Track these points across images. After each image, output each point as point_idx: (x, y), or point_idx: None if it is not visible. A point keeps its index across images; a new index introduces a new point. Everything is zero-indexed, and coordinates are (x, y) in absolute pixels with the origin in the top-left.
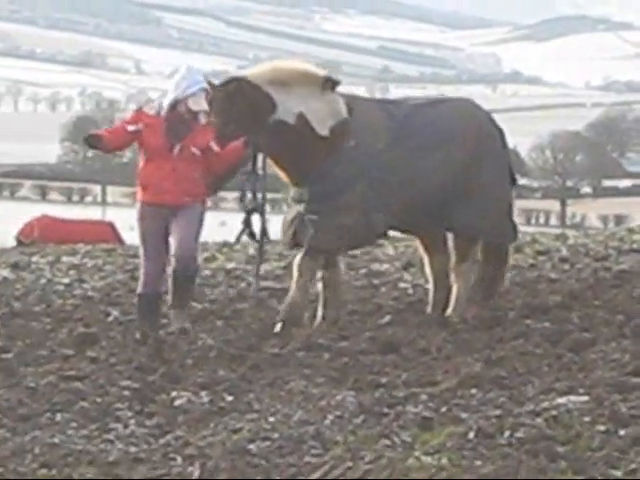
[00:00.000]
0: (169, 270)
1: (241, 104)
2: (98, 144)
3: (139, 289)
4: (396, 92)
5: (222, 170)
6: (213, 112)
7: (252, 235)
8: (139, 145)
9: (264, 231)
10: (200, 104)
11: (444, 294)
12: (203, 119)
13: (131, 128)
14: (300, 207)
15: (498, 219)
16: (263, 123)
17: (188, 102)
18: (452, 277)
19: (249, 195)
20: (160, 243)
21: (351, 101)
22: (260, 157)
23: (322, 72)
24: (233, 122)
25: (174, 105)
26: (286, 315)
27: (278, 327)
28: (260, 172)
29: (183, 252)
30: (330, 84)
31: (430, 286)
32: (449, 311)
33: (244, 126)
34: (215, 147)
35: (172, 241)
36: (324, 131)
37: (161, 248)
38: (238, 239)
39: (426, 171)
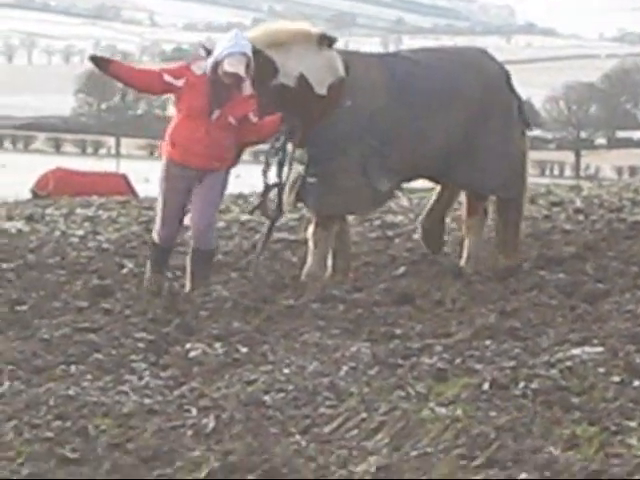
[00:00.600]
0: (189, 250)
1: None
2: (105, 68)
3: (154, 237)
4: (410, 43)
5: (252, 141)
6: None
7: (265, 212)
8: (176, 101)
9: (279, 209)
10: (234, 66)
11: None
12: (248, 89)
13: (168, 79)
14: (301, 169)
15: (505, 174)
16: (266, 87)
17: (224, 63)
18: (463, 230)
19: (272, 170)
20: (180, 205)
21: (349, 58)
22: (297, 134)
23: (317, 29)
24: None
25: (215, 67)
26: (306, 287)
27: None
28: (290, 149)
29: (201, 228)
30: (327, 41)
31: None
32: (461, 263)
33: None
34: (253, 118)
35: (191, 210)
36: (322, 90)
37: (180, 210)
38: (252, 212)
39: (428, 131)
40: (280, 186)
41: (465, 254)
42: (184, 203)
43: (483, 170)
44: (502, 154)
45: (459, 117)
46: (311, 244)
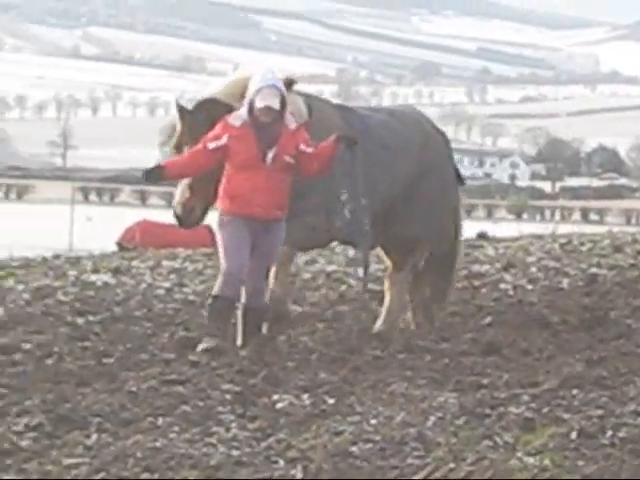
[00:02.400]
0: (239, 306)
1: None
2: (161, 175)
3: (215, 290)
4: (495, 92)
5: (315, 172)
6: (192, 137)
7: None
8: (227, 158)
9: (366, 233)
10: (265, 99)
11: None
12: (292, 124)
13: (212, 145)
14: None
15: (439, 229)
16: None
17: (256, 101)
18: (386, 286)
19: (345, 196)
20: (244, 250)
21: (309, 101)
22: (358, 151)
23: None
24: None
25: (250, 109)
26: (392, 338)
27: (265, 327)
28: (357, 171)
29: (256, 287)
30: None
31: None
32: (378, 323)
33: None
34: (307, 149)
35: (249, 267)
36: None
37: (244, 255)
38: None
39: (380, 178)
40: (362, 212)
41: (383, 311)
42: (248, 249)
43: (419, 223)
44: (438, 207)
45: (405, 168)
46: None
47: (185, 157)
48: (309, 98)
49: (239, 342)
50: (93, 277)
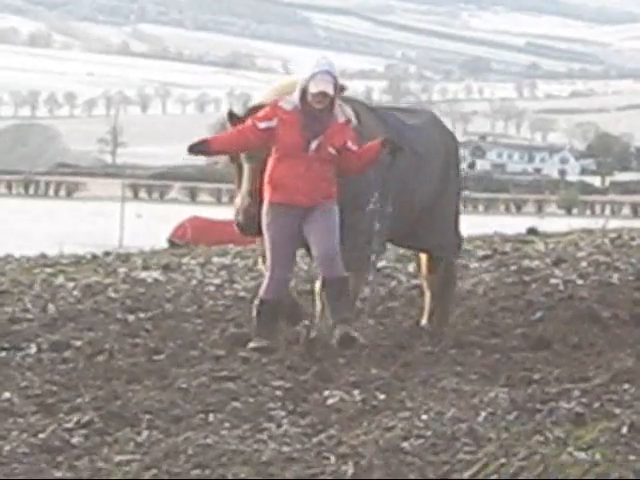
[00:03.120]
0: (317, 284)
1: None
2: (206, 150)
3: (261, 293)
4: (544, 88)
5: (356, 171)
6: None
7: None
8: (273, 142)
9: (382, 240)
10: (319, 85)
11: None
12: (341, 117)
13: (263, 125)
14: None
15: (451, 235)
16: None
17: (309, 86)
18: (424, 285)
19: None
20: (290, 247)
21: (356, 107)
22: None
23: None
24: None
25: (303, 95)
26: (444, 333)
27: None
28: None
29: (329, 255)
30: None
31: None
32: (422, 321)
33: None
34: (352, 146)
35: (313, 244)
36: None
37: (290, 252)
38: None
39: (421, 182)
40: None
41: (425, 310)
42: (294, 246)
43: (442, 230)
44: (454, 213)
45: (436, 172)
46: None
47: (232, 133)
48: (353, 104)
49: (330, 322)
50: (143, 274)
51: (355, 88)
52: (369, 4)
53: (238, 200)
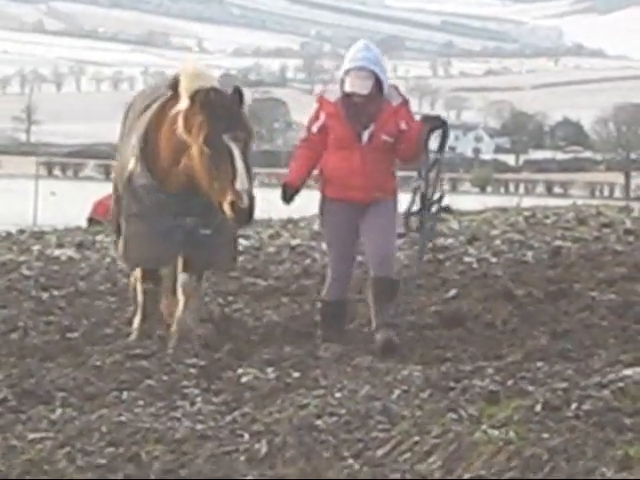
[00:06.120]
0: (369, 282)
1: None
2: (293, 190)
3: (324, 294)
4: (459, 66)
5: (411, 155)
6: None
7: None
8: (327, 136)
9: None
10: (353, 85)
11: None
12: (396, 99)
13: (315, 128)
14: None
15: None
16: None
17: (345, 84)
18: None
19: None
20: (348, 245)
21: None
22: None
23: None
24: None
25: (342, 87)
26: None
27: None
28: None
29: (383, 254)
30: None
31: None
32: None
33: None
34: (404, 126)
35: (367, 242)
36: None
37: (349, 251)
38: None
39: None
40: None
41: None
42: (354, 241)
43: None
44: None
45: None
46: None
47: (300, 155)
48: None
49: (373, 323)
50: (57, 252)
51: (270, 66)
52: None
53: (238, 182)
